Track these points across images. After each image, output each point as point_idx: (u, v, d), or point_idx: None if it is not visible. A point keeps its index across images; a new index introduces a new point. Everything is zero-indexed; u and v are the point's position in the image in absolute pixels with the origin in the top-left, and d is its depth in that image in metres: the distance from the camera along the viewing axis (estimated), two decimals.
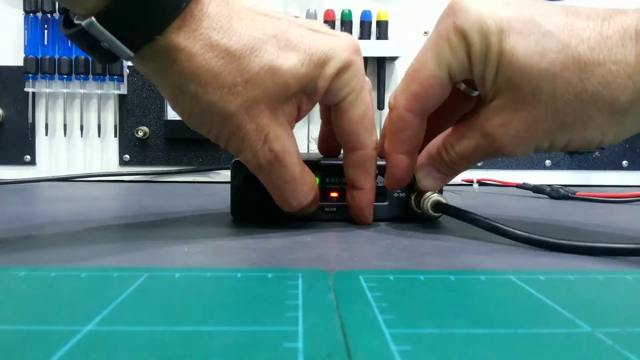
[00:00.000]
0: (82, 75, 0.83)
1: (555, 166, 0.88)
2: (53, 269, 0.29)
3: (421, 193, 0.43)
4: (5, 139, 0.84)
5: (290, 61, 0.36)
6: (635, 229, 0.45)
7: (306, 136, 0.85)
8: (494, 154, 0.38)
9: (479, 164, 0.86)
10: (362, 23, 0.83)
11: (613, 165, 0.88)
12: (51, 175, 0.84)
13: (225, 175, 0.86)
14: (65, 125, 0.85)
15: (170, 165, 0.86)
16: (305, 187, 0.41)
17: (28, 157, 0.85)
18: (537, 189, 0.69)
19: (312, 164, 0.46)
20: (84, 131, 0.85)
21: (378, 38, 0.83)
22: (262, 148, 0.37)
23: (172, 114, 0.84)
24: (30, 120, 0.84)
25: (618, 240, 0.34)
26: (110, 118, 0.85)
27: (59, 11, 0.82)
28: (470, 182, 0.81)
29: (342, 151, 0.44)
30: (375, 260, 0.32)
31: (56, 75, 0.83)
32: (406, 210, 0.47)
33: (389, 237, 0.40)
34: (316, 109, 0.85)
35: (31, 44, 0.82)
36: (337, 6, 0.84)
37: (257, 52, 0.36)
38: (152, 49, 0.34)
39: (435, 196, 0.44)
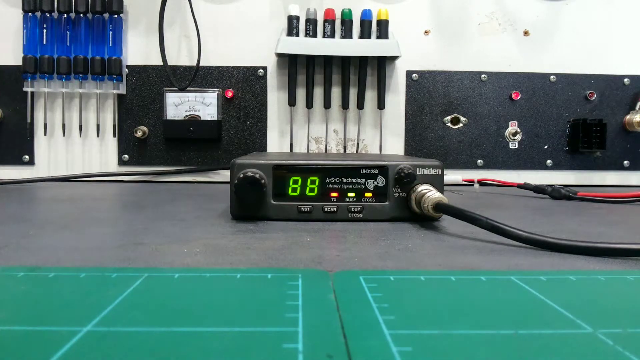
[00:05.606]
0: (80, 75, 0.83)
1: (557, 166, 0.88)
2: (52, 269, 0.29)
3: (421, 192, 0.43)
4: (3, 139, 0.84)
5: None
6: (637, 228, 0.45)
7: (306, 136, 0.85)
8: None
9: (480, 164, 0.86)
10: (362, 22, 0.83)
11: (614, 165, 0.88)
12: (50, 175, 0.84)
13: (225, 175, 0.86)
14: (64, 125, 0.84)
15: (170, 165, 0.86)
16: None
17: (27, 157, 0.85)
18: (539, 189, 0.69)
19: (312, 164, 0.46)
20: (82, 131, 0.85)
21: (378, 37, 0.83)
22: None
23: (171, 114, 0.83)
24: (28, 120, 0.84)
25: (619, 241, 0.34)
26: (109, 118, 0.85)
27: (57, 10, 0.82)
28: (471, 182, 0.81)
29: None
30: (375, 261, 0.32)
31: (55, 75, 0.82)
32: (406, 210, 0.47)
33: (389, 237, 0.40)
34: (316, 109, 0.85)
35: (30, 43, 0.82)
36: (337, 5, 0.84)
37: None
38: None
39: (436, 196, 0.44)
